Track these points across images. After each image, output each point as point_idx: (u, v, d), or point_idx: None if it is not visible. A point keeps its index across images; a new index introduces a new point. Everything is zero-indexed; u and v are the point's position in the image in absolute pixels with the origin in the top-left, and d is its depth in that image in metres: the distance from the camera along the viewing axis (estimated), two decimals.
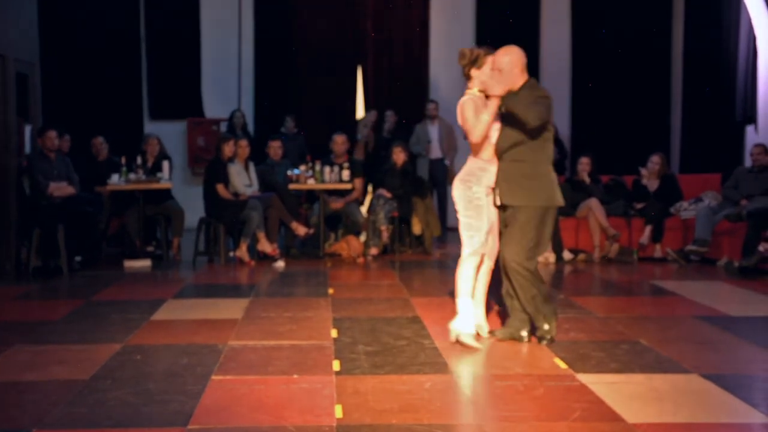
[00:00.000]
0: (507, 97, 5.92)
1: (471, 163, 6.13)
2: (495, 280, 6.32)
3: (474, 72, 6.11)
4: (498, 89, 5.87)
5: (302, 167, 11.08)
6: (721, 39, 12.97)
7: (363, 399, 4.89)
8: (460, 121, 6.09)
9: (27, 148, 10.99)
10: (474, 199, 6.05)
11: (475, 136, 5.98)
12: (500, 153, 6.02)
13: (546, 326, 6.11)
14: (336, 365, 5.64)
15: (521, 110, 5.80)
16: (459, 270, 6.12)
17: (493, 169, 6.05)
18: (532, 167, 5.98)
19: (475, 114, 5.98)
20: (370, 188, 11.74)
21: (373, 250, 10.92)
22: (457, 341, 6.10)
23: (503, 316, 6.53)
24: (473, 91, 6.11)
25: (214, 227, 10.68)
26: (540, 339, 6.15)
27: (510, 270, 5.99)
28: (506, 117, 5.96)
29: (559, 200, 6.08)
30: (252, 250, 10.59)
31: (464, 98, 6.09)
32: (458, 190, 6.10)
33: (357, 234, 11.18)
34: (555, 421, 4.56)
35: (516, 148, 5.96)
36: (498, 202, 6.04)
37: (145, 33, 14.15)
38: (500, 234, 6.13)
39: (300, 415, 4.62)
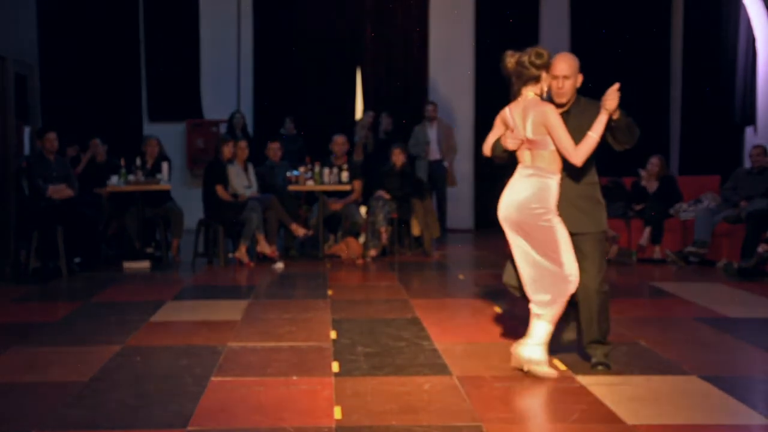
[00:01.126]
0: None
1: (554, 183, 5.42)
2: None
3: (544, 74, 5.41)
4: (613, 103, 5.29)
5: (301, 169, 11.08)
6: (721, 40, 12.98)
7: (362, 400, 4.89)
8: (539, 130, 5.33)
9: (26, 150, 10.99)
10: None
11: (581, 160, 5.32)
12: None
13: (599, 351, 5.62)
14: (335, 367, 5.63)
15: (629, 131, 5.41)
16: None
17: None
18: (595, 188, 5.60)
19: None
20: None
21: (372, 252, 10.91)
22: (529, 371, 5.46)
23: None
24: (530, 94, 5.41)
25: (214, 229, 10.67)
26: (598, 365, 5.57)
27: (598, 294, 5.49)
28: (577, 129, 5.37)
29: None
30: (251, 251, 10.58)
31: (547, 107, 5.38)
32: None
33: (356, 235, 11.17)
34: (554, 422, 4.56)
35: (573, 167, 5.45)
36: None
37: (144, 34, 14.15)
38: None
39: (299, 416, 4.62)
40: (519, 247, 5.43)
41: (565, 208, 5.44)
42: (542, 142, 5.34)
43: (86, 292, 8.68)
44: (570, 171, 5.44)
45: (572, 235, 5.43)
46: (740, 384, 5.28)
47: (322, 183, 11.00)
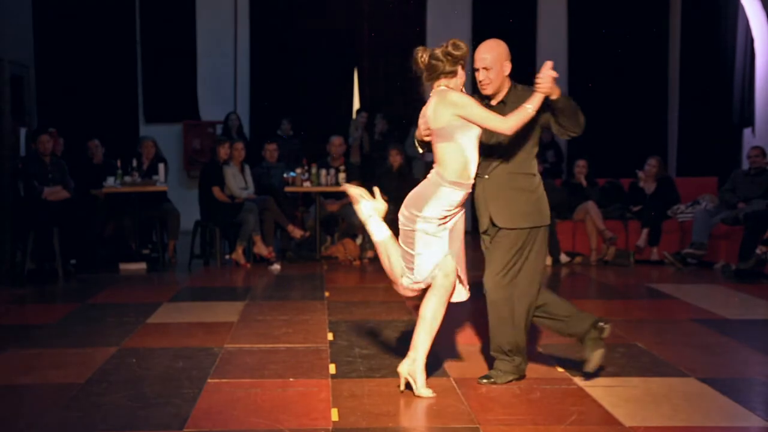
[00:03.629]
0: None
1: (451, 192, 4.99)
2: None
3: (461, 70, 5.06)
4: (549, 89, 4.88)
5: (298, 170, 11.06)
6: (719, 41, 12.98)
7: (359, 402, 4.88)
8: (442, 119, 4.93)
9: (22, 151, 10.96)
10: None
11: (512, 129, 4.93)
12: (488, 164, 5.17)
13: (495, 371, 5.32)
14: (332, 368, 5.62)
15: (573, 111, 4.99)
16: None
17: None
18: (529, 180, 5.20)
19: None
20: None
21: (370, 253, 10.88)
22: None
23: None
24: (442, 86, 5.06)
25: (210, 230, 10.65)
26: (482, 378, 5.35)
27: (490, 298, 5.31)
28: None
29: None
30: (248, 253, 10.56)
31: (451, 92, 4.99)
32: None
33: (353, 237, 11.15)
34: (552, 424, 4.54)
35: (515, 157, 5.13)
36: (495, 224, 5.21)
37: (141, 35, 14.12)
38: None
39: (296, 418, 4.61)
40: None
41: (493, 200, 5.18)
42: (443, 132, 4.96)
43: (82, 293, 8.67)
44: (498, 160, 5.15)
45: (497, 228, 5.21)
46: (738, 386, 5.27)
47: (319, 184, 10.99)
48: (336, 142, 11.40)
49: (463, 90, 5.12)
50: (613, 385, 5.23)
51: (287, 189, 11.06)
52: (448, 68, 5.02)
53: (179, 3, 14.12)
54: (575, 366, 5.60)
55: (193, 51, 14.20)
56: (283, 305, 7.93)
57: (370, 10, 14.27)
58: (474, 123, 4.95)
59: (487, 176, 5.21)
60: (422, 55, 5.09)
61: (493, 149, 5.16)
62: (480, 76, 5.15)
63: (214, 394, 5.05)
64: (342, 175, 11.00)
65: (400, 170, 11.36)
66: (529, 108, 4.93)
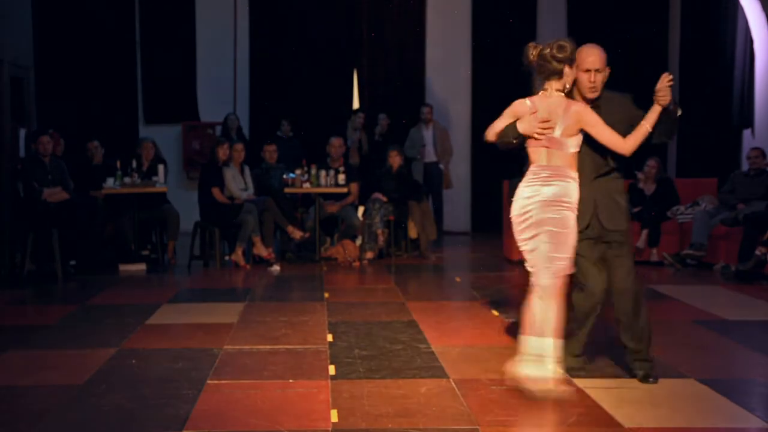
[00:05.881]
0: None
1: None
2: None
3: (567, 69, 5.09)
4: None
5: (298, 171, 11.06)
6: (718, 42, 12.98)
7: (358, 403, 4.88)
8: (569, 132, 5.08)
9: (21, 152, 10.95)
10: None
11: (631, 149, 5.13)
12: (598, 168, 5.31)
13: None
14: (331, 370, 5.62)
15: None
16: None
17: None
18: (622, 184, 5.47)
19: None
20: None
21: (369, 254, 10.89)
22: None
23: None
24: (553, 92, 5.11)
25: (210, 231, 10.65)
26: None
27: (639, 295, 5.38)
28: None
29: None
30: (247, 254, 10.56)
31: (579, 107, 5.12)
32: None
33: (353, 238, 11.15)
34: (551, 425, 4.55)
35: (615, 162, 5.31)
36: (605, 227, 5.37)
37: (140, 36, 14.12)
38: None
39: (295, 419, 4.61)
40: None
41: (606, 203, 5.35)
42: (564, 143, 5.09)
43: (82, 294, 8.66)
44: (600, 167, 5.29)
45: (608, 231, 5.37)
46: (738, 387, 5.27)
47: (319, 185, 10.98)
48: (335, 143, 11.40)
49: (567, 88, 5.14)
50: (613, 386, 5.23)
51: (287, 190, 11.05)
52: (556, 68, 5.08)
53: (179, 4, 14.12)
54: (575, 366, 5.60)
55: (193, 52, 14.20)
56: (282, 306, 7.92)
57: (369, 10, 14.27)
58: (599, 141, 5.14)
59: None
60: (532, 52, 5.14)
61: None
62: (591, 77, 5.17)
63: (214, 395, 5.05)
64: (341, 176, 11.00)
65: (399, 171, 11.36)
66: (647, 125, 5.10)
